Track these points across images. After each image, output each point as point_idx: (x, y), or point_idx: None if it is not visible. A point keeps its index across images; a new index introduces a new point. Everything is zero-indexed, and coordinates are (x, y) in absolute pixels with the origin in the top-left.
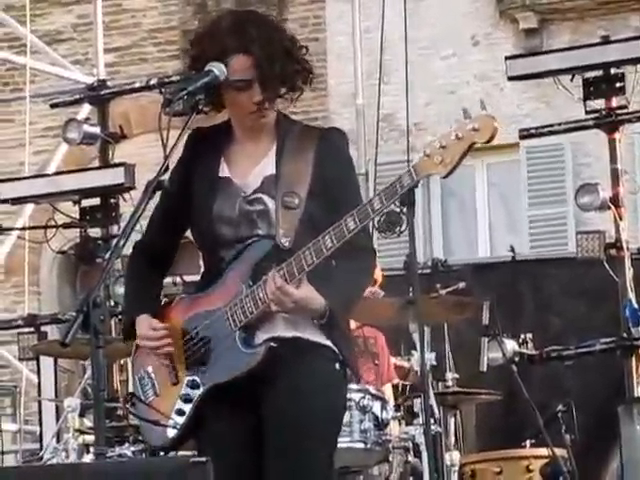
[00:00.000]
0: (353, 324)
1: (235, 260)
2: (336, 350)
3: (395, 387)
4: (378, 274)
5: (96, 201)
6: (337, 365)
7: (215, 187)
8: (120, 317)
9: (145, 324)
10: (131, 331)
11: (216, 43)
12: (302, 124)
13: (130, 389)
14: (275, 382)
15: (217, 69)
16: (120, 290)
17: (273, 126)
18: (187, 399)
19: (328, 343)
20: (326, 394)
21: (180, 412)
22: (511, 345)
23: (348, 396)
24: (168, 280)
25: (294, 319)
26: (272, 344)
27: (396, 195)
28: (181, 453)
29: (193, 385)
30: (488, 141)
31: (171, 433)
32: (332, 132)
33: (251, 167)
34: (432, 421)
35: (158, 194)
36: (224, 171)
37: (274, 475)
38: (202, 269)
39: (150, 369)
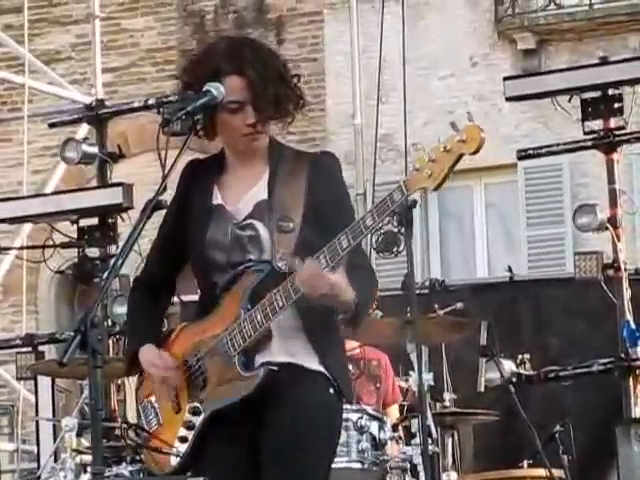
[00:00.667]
0: (354, 344)
1: (232, 285)
2: (329, 376)
3: (399, 407)
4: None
5: (94, 221)
6: (331, 390)
7: (208, 215)
8: (117, 336)
9: (151, 352)
10: (132, 366)
11: (210, 65)
12: (293, 149)
13: (129, 411)
14: (272, 406)
15: (215, 89)
16: (118, 310)
17: (265, 151)
18: (189, 426)
19: (321, 369)
20: (322, 416)
21: (183, 439)
22: (509, 365)
23: (345, 416)
24: None
25: (288, 345)
26: (272, 367)
27: (388, 211)
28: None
29: (195, 412)
30: (475, 152)
31: (174, 461)
32: (324, 156)
33: (243, 193)
34: (430, 441)
35: (156, 214)
36: (217, 198)
37: None
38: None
39: (153, 398)
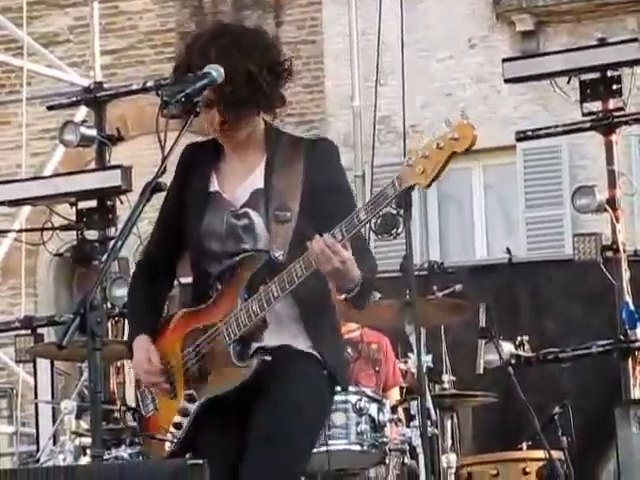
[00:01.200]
0: (354, 326)
1: (227, 274)
2: (321, 359)
3: (399, 389)
4: None
5: (93, 203)
6: (323, 371)
7: (205, 202)
8: (116, 319)
9: (142, 352)
10: (132, 352)
11: (185, 61)
12: (290, 135)
13: (128, 393)
14: (263, 390)
15: (215, 71)
16: (117, 292)
17: (262, 138)
18: (184, 413)
19: (314, 352)
20: (310, 397)
21: (178, 426)
22: (508, 347)
23: (345, 398)
24: None
25: (283, 331)
26: (265, 357)
27: (381, 206)
28: None
29: (190, 399)
30: (467, 149)
31: (169, 447)
32: (320, 142)
33: (240, 181)
34: (429, 423)
35: (156, 196)
36: (214, 185)
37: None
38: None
39: None
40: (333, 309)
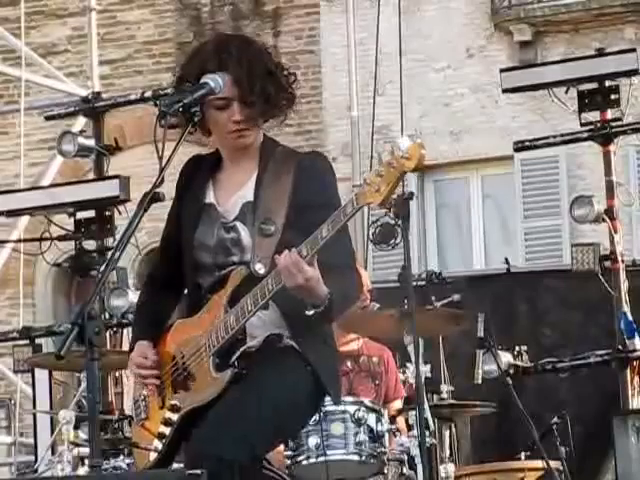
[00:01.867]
0: (352, 336)
1: (218, 286)
2: (303, 354)
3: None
4: (368, 286)
5: (91, 213)
6: (307, 367)
7: (199, 213)
8: (115, 329)
9: (139, 350)
10: None
11: (197, 63)
12: (285, 148)
13: (125, 402)
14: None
15: (212, 81)
16: (115, 302)
17: (257, 150)
18: (168, 423)
19: (297, 347)
20: (289, 386)
21: (161, 436)
22: (506, 357)
23: (343, 408)
24: None
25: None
26: (237, 370)
27: (341, 223)
28: (177, 465)
29: (174, 409)
30: (416, 168)
31: (153, 457)
32: (311, 157)
33: (233, 193)
34: (427, 433)
35: (154, 207)
36: (209, 197)
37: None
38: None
39: (145, 392)
40: (324, 322)
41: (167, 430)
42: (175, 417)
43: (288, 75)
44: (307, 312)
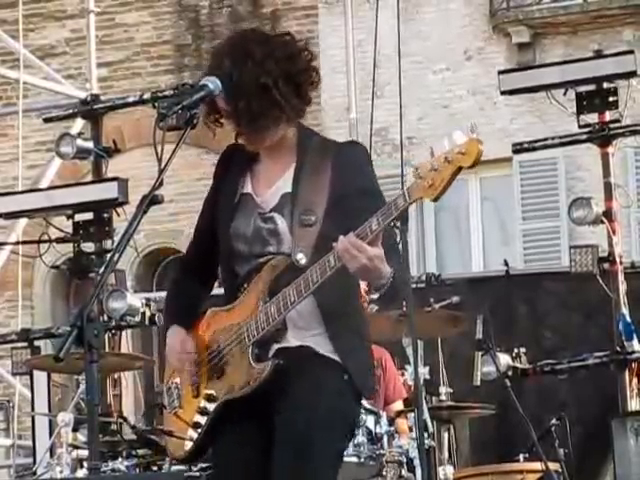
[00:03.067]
0: None
1: (255, 276)
2: (341, 363)
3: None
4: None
5: (89, 216)
6: (344, 376)
7: (236, 203)
8: (113, 331)
9: (175, 337)
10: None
11: (207, 69)
12: (322, 138)
13: (124, 404)
14: (283, 393)
15: (212, 83)
16: (114, 304)
17: (294, 141)
18: (204, 412)
19: (333, 356)
20: (330, 410)
21: (197, 425)
22: (505, 359)
23: None
24: None
25: (305, 334)
26: (279, 361)
27: (392, 216)
28: (176, 468)
29: (210, 399)
30: (473, 164)
31: (188, 445)
32: (348, 145)
33: (271, 184)
34: (426, 435)
35: (152, 209)
36: (247, 187)
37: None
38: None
39: (178, 380)
40: (360, 314)
41: (203, 419)
42: (212, 407)
43: (305, 80)
44: (372, 296)
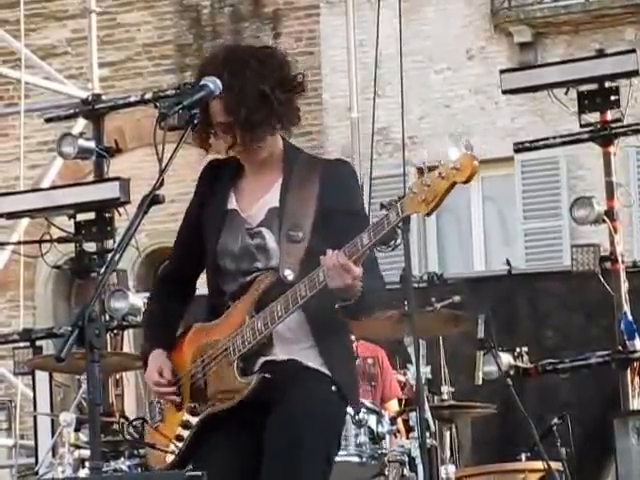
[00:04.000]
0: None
1: (241, 292)
2: (330, 375)
3: (398, 401)
4: None
5: (91, 215)
6: (332, 387)
7: (222, 219)
8: (115, 331)
9: (154, 366)
10: (146, 365)
11: (199, 77)
12: (308, 155)
13: (127, 405)
14: (270, 407)
15: (212, 83)
16: (116, 304)
17: (280, 157)
18: (186, 426)
19: (323, 369)
20: (320, 413)
21: (179, 438)
22: (506, 359)
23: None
24: None
25: (293, 347)
26: (266, 375)
27: (384, 231)
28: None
29: (193, 412)
30: (468, 180)
31: (170, 458)
32: (336, 164)
33: (257, 199)
34: (427, 434)
35: (154, 209)
36: (232, 203)
37: None
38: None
39: None
40: (346, 326)
41: (185, 433)
42: (194, 420)
43: (289, 91)
44: (336, 305)
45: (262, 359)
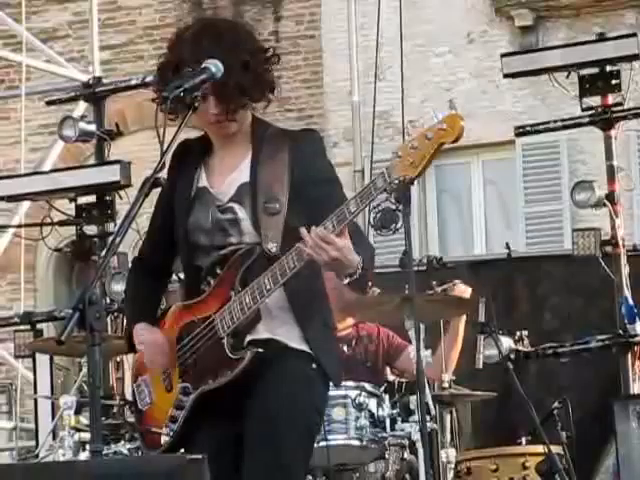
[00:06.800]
0: (349, 322)
1: (218, 267)
2: (311, 353)
3: (391, 384)
4: None
5: (92, 198)
6: (313, 365)
7: (193, 197)
8: (116, 314)
9: (143, 330)
10: (131, 345)
11: (175, 53)
12: (277, 128)
13: (127, 388)
14: (251, 387)
15: (214, 66)
16: (116, 287)
17: (248, 132)
18: (179, 406)
19: (304, 347)
20: (299, 395)
21: (173, 419)
22: (507, 342)
23: (344, 393)
24: None
25: (274, 324)
26: (258, 350)
27: (371, 197)
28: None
29: (185, 392)
30: (454, 140)
31: (164, 440)
32: (304, 134)
33: (226, 175)
34: (428, 418)
35: (155, 192)
36: (202, 180)
37: (247, 474)
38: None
39: (147, 377)
40: (326, 303)
41: (179, 414)
42: (187, 400)
43: (267, 59)
44: (343, 281)
45: (249, 337)
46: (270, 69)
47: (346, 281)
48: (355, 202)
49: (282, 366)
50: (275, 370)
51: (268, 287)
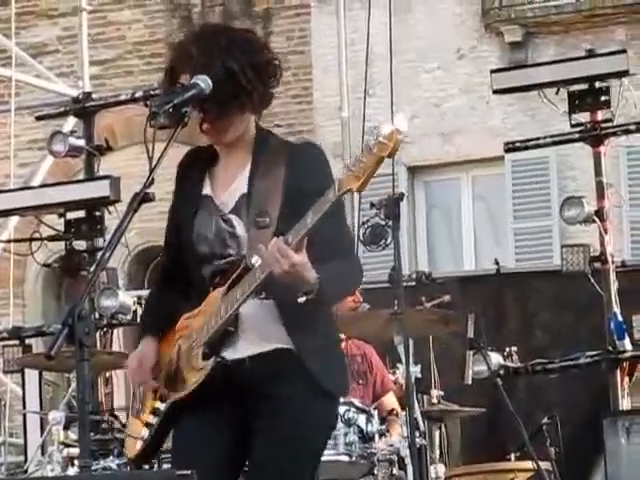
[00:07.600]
0: (342, 337)
1: (218, 277)
2: (306, 365)
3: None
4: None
5: (81, 214)
6: (307, 379)
7: (197, 205)
8: (105, 329)
9: (138, 352)
10: None
11: (172, 62)
12: (279, 139)
13: (116, 403)
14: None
15: (202, 82)
16: (105, 302)
17: (251, 141)
18: (155, 412)
19: (296, 359)
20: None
21: (148, 425)
22: (496, 358)
23: None
24: None
25: (264, 336)
26: (220, 359)
27: (323, 209)
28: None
29: (162, 399)
30: (391, 154)
31: (139, 445)
32: (303, 147)
33: (228, 184)
34: (417, 434)
35: (144, 207)
36: (207, 189)
37: None
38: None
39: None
40: (325, 314)
41: (154, 420)
42: (162, 407)
43: (269, 71)
44: (298, 299)
45: (226, 353)
46: (265, 83)
47: (301, 298)
48: (310, 215)
49: (287, 385)
50: (272, 389)
51: (237, 298)
